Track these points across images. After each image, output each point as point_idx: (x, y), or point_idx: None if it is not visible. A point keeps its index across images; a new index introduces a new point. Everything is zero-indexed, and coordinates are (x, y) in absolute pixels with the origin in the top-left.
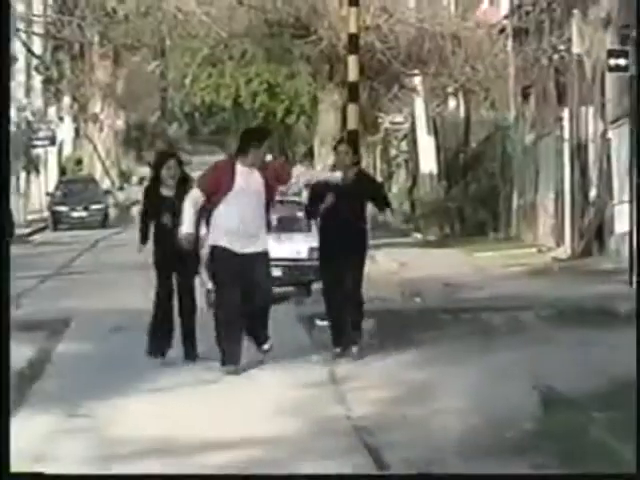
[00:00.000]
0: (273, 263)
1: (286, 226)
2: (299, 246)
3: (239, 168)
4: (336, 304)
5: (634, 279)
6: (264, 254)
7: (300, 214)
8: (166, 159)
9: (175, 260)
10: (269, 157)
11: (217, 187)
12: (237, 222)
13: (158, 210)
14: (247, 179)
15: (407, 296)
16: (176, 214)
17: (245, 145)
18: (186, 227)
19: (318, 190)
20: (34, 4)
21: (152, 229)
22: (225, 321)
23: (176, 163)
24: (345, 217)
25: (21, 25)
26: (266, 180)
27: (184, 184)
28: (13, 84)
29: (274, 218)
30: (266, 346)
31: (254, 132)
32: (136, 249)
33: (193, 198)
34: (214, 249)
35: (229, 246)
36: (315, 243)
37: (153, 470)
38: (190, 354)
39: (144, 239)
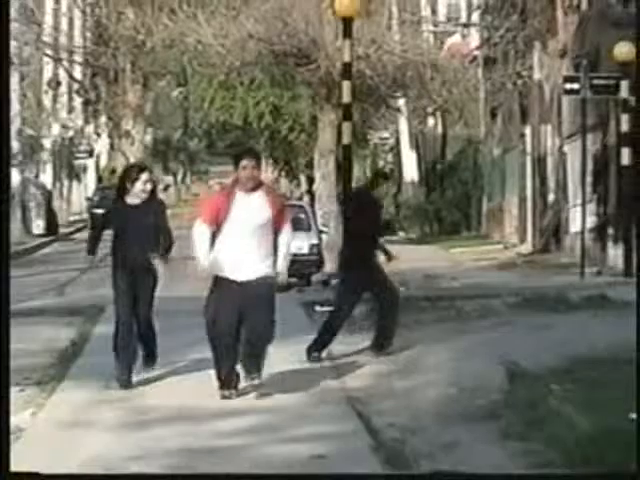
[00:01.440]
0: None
1: (292, 225)
2: (301, 243)
3: (238, 195)
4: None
5: (585, 271)
6: (269, 278)
7: (302, 215)
8: (140, 173)
9: (133, 276)
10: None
11: (215, 217)
12: (237, 253)
13: (122, 218)
14: (247, 206)
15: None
16: (139, 224)
17: (236, 169)
18: (201, 261)
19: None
20: (75, 37)
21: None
22: (221, 348)
23: (149, 177)
24: None
25: (64, 54)
26: (273, 205)
27: (152, 194)
28: (58, 105)
29: None
30: (256, 380)
31: (239, 154)
32: (85, 261)
33: (199, 232)
34: (215, 279)
35: (230, 275)
36: (314, 240)
37: (175, 433)
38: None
39: (93, 250)
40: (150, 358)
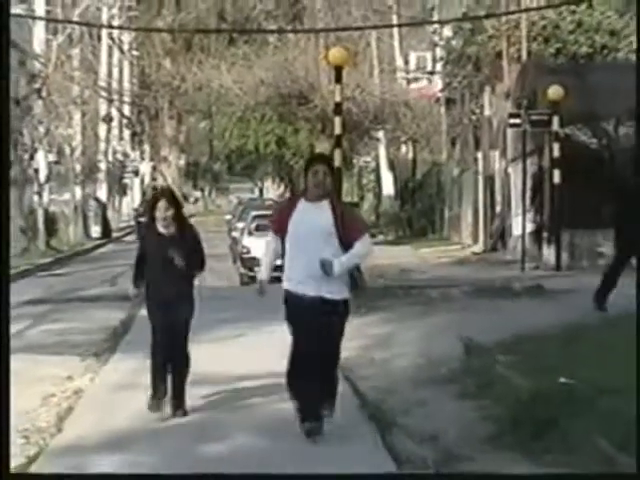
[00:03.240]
0: None
1: None
2: None
3: (302, 204)
4: None
5: (525, 266)
6: (335, 303)
7: None
8: (157, 201)
9: (167, 305)
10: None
11: (280, 227)
12: (299, 264)
13: (154, 248)
14: (310, 215)
15: (374, 277)
16: (171, 254)
17: (307, 171)
18: (261, 274)
19: None
20: (124, 82)
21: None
22: (299, 374)
23: (166, 204)
24: None
25: (115, 96)
26: (339, 217)
27: (182, 222)
28: (111, 136)
29: None
30: (326, 410)
31: (310, 159)
32: (130, 293)
33: (267, 242)
34: (285, 293)
35: (295, 290)
36: None
37: (203, 393)
38: (176, 412)
39: (137, 282)
40: (178, 406)
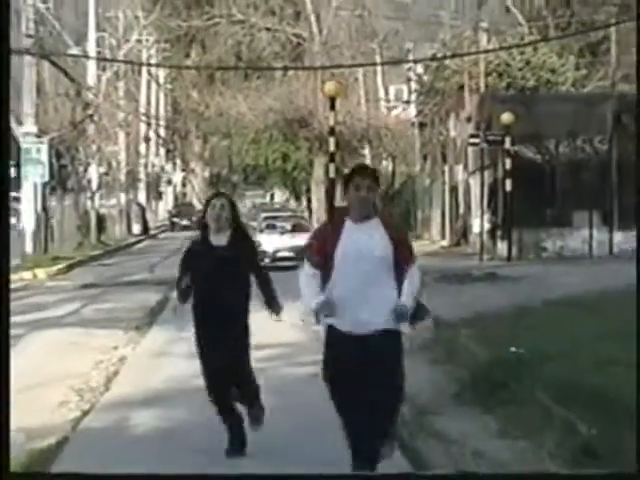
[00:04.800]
0: (289, 250)
1: (296, 229)
2: (302, 240)
3: (348, 225)
4: None
5: (483, 258)
6: (393, 332)
7: (304, 222)
8: (212, 198)
9: (220, 331)
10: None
11: (322, 252)
12: (345, 296)
13: (203, 262)
14: (359, 238)
15: None
16: (225, 268)
17: (347, 184)
18: (306, 305)
19: None
20: (160, 109)
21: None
22: (351, 426)
23: (221, 205)
24: None
25: (153, 120)
26: (393, 235)
27: (238, 233)
28: (149, 152)
29: (288, 225)
30: (388, 451)
31: (351, 172)
32: (171, 313)
33: (304, 274)
34: (327, 329)
35: (339, 326)
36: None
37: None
38: (236, 449)
39: (184, 297)
40: (257, 418)
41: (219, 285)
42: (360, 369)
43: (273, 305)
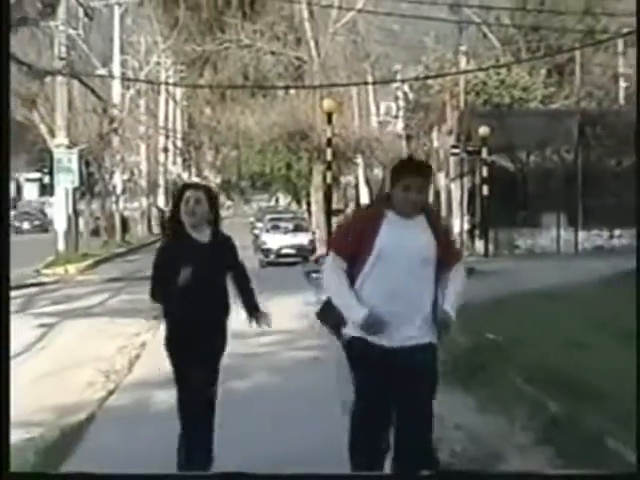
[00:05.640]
0: (291, 248)
1: (297, 228)
2: (304, 239)
3: (390, 218)
4: None
5: (464, 254)
6: (431, 346)
7: (304, 223)
8: (184, 190)
9: (199, 340)
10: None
11: (355, 248)
12: (382, 300)
13: (185, 260)
14: (403, 234)
15: None
16: (209, 268)
17: (394, 182)
18: (351, 312)
19: None
20: (177, 123)
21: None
22: (362, 445)
23: (196, 199)
24: None
25: (171, 133)
26: (439, 232)
27: (219, 229)
28: (167, 162)
29: (290, 225)
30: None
31: (400, 166)
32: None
33: (332, 269)
34: (352, 341)
35: (372, 338)
36: (311, 237)
37: (231, 345)
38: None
39: (159, 296)
40: (204, 457)
41: (204, 286)
42: (393, 388)
43: (254, 308)
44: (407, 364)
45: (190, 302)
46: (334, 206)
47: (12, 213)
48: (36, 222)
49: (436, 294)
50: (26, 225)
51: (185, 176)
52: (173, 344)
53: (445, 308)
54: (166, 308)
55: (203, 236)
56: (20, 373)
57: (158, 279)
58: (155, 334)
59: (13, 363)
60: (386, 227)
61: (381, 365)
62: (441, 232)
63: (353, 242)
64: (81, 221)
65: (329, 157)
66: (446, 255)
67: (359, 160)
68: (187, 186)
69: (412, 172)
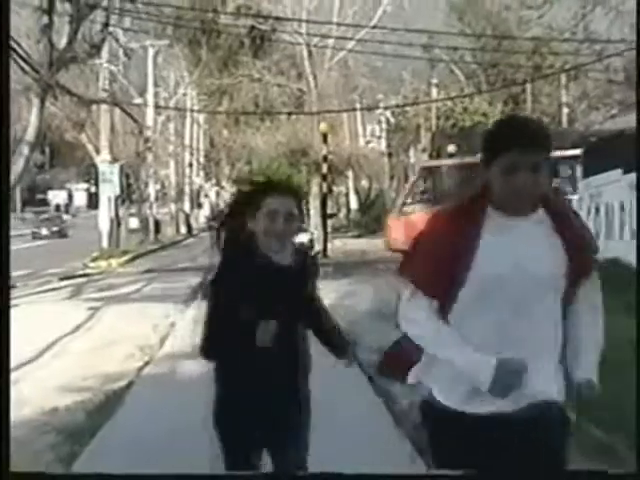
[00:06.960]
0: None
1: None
2: (303, 238)
3: (494, 221)
4: None
5: None
6: (559, 409)
7: (303, 226)
8: (267, 191)
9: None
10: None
11: (447, 279)
12: (486, 346)
13: (262, 286)
14: (512, 246)
15: (346, 256)
16: (291, 297)
17: (489, 159)
18: (485, 366)
19: None
20: (200, 142)
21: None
22: None
23: (289, 213)
24: None
25: (194, 152)
26: (568, 244)
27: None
28: (192, 173)
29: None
30: None
31: (507, 126)
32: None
33: (424, 315)
34: (426, 407)
35: (464, 406)
36: (309, 237)
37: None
38: None
39: (215, 352)
40: None
41: (283, 332)
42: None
43: (343, 346)
44: (531, 437)
45: (262, 359)
46: (329, 211)
47: (33, 218)
48: (54, 228)
49: (565, 333)
50: (44, 231)
51: (207, 186)
52: (226, 424)
53: (585, 376)
54: (220, 368)
55: (284, 257)
56: (71, 348)
57: (216, 323)
58: (183, 316)
59: (66, 340)
60: (488, 237)
61: (470, 441)
62: (574, 236)
63: (444, 272)
64: (122, 224)
65: (324, 171)
66: (578, 267)
67: (349, 173)
68: (267, 187)
69: (521, 140)
